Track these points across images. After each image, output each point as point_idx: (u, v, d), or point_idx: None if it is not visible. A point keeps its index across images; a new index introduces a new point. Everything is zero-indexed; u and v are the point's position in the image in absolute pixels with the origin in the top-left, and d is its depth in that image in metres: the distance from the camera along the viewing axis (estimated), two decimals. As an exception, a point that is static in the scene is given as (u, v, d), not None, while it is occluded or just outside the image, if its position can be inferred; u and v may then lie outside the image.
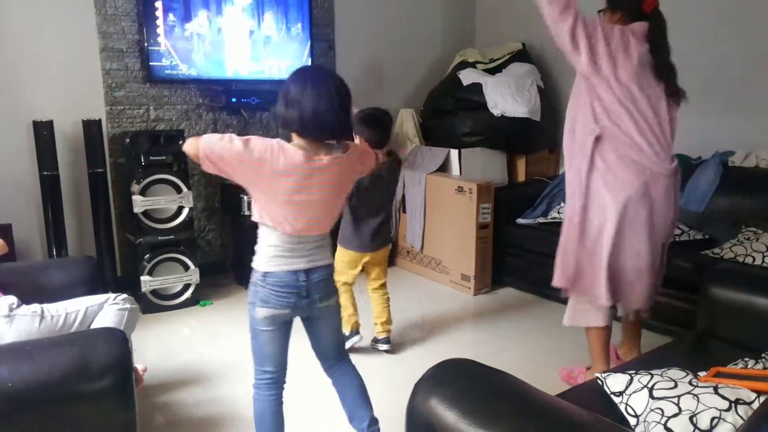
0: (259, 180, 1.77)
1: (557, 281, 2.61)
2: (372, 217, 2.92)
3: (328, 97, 1.76)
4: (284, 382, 2.01)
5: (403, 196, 4.36)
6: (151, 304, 3.65)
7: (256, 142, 1.74)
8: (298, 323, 2.00)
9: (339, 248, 2.96)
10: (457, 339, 3.30)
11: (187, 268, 3.72)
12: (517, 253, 3.97)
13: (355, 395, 2.07)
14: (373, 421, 2.06)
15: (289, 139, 1.82)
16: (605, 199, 2.40)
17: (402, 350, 3.12)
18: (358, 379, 2.09)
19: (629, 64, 2.31)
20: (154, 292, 3.66)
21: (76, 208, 3.79)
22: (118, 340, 1.72)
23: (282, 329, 1.93)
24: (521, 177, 4.52)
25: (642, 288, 2.46)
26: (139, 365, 1.99)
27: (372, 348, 3.09)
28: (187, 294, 3.75)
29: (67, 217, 3.66)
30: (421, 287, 4.13)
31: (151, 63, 3.78)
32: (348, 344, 2.94)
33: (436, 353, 3.10)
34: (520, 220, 4.00)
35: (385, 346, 3.06)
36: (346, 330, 2.97)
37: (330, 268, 1.97)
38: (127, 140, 3.57)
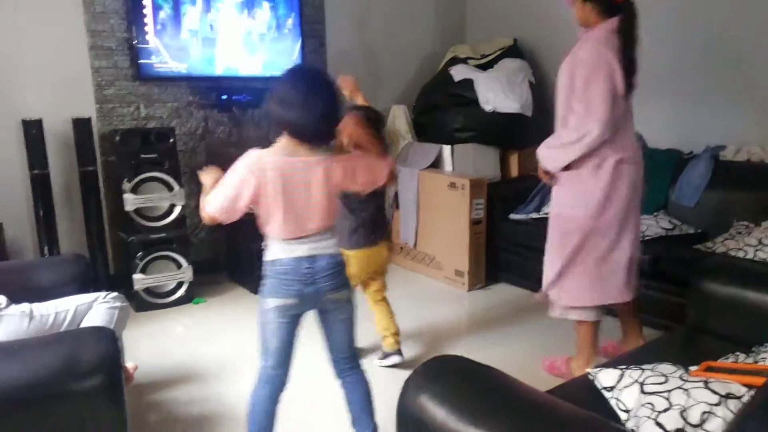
0: (258, 193, 1.82)
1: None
2: (364, 208, 2.81)
3: (322, 104, 1.80)
4: (284, 383, 2.01)
5: (396, 193, 4.35)
6: (144, 302, 3.64)
7: (238, 167, 1.82)
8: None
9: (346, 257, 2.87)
10: (451, 334, 3.30)
11: (179, 265, 3.71)
12: (510, 249, 3.97)
13: (362, 401, 2.08)
14: (375, 429, 2.09)
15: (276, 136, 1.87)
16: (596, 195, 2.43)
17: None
18: (366, 386, 2.10)
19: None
20: (147, 290, 3.64)
21: (67, 206, 3.76)
22: (107, 339, 1.71)
23: (289, 324, 1.94)
24: (514, 172, 4.51)
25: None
26: (129, 364, 1.98)
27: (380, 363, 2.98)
28: (181, 292, 3.74)
29: (59, 215, 3.64)
30: (415, 283, 4.13)
31: (140, 61, 3.76)
32: (390, 362, 2.92)
33: (429, 349, 3.11)
34: (513, 216, 4.00)
35: (399, 359, 2.95)
36: (389, 348, 2.94)
37: (338, 258, 1.97)
38: (117, 138, 3.55)
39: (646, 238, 3.30)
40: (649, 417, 1.52)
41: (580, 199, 2.52)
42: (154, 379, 2.82)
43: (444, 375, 1.43)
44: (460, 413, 1.29)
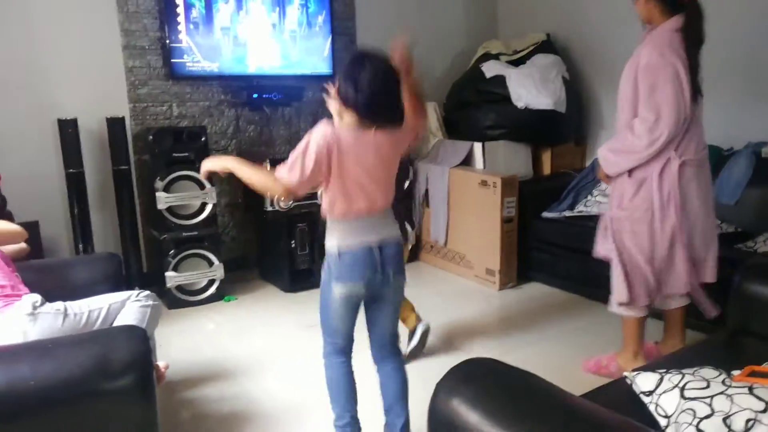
0: (332, 165, 1.83)
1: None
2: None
3: (390, 86, 1.83)
4: (352, 351, 2.07)
5: (426, 191, 4.32)
6: (177, 300, 3.67)
7: (315, 137, 1.81)
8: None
9: None
10: (482, 335, 3.25)
11: (211, 263, 3.74)
12: (543, 248, 3.90)
13: (398, 390, 2.08)
14: (408, 421, 2.09)
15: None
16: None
17: (425, 347, 3.08)
18: (404, 374, 2.11)
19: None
20: (179, 288, 3.68)
21: (101, 205, 3.82)
22: (139, 338, 1.71)
23: (355, 308, 1.98)
24: (546, 170, 4.44)
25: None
26: (161, 362, 1.99)
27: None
28: (212, 289, 3.76)
29: (93, 214, 3.70)
30: (445, 282, 4.09)
31: (172, 60, 3.79)
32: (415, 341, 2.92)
33: (459, 349, 3.07)
34: (545, 214, 3.94)
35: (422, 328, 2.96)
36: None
37: (400, 245, 2.01)
38: (150, 137, 3.59)
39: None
40: (690, 423, 1.47)
41: (640, 201, 2.50)
42: (185, 377, 2.83)
43: (477, 378, 1.39)
44: (493, 417, 1.26)
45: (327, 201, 1.90)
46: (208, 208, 3.70)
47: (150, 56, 3.85)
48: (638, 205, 2.50)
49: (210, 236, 3.73)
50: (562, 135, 4.40)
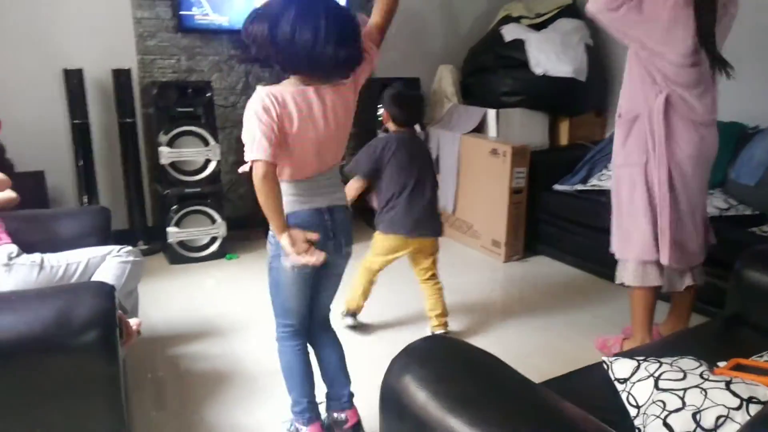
0: (282, 126, 1.65)
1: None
2: (414, 191, 2.62)
3: (323, 29, 1.57)
4: (306, 333, 1.97)
5: (437, 157, 4.21)
6: (178, 256, 3.68)
7: (253, 106, 1.64)
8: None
9: (378, 234, 2.71)
10: (481, 307, 3.19)
11: (214, 221, 3.72)
12: (552, 221, 3.79)
13: (338, 361, 2.02)
14: (352, 393, 2.03)
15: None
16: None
17: (422, 318, 3.03)
18: (341, 347, 2.05)
19: None
20: (181, 244, 3.67)
21: (107, 157, 3.80)
22: (105, 294, 1.68)
23: (308, 281, 1.85)
24: (564, 140, 4.30)
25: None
26: (133, 320, 1.96)
27: None
28: (214, 247, 3.76)
29: (98, 165, 3.70)
30: (451, 251, 4.00)
31: (181, 12, 3.71)
32: (343, 322, 2.84)
33: (454, 320, 3.01)
34: (557, 186, 3.81)
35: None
36: (344, 307, 2.86)
37: (350, 211, 1.90)
38: (155, 91, 3.54)
39: (697, 217, 3.08)
40: (657, 416, 1.39)
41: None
42: (177, 332, 2.84)
43: (431, 357, 1.33)
44: (439, 399, 1.19)
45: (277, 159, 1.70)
46: (212, 165, 3.67)
47: (159, 8, 3.77)
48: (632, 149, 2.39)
49: (213, 193, 3.71)
50: (582, 105, 4.23)
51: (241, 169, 1.75)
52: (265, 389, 2.36)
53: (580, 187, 3.72)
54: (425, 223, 2.67)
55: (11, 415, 1.59)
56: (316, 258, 1.71)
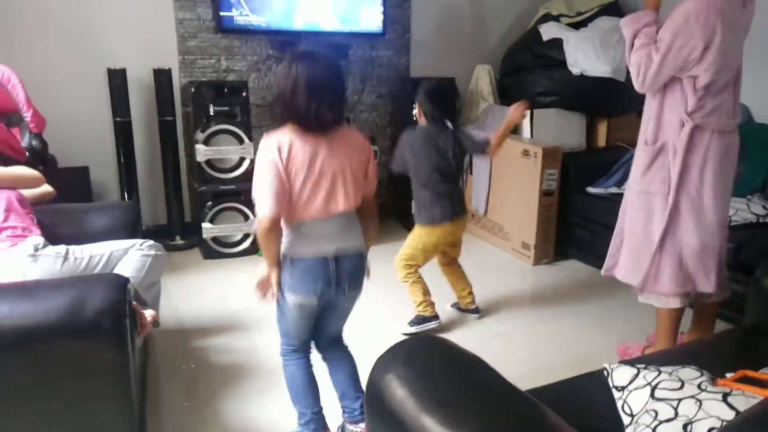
0: (289, 174, 1.74)
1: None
2: (440, 181, 2.75)
3: (329, 92, 1.73)
4: (310, 347, 2.03)
5: (471, 158, 4.19)
6: (212, 251, 3.78)
7: (262, 156, 1.74)
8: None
9: (418, 229, 2.82)
10: (506, 310, 3.15)
11: (247, 218, 3.81)
12: (584, 224, 3.72)
13: (349, 373, 2.04)
14: (364, 403, 2.03)
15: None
16: None
17: (447, 319, 3.03)
18: (352, 359, 2.06)
19: None
20: (214, 239, 3.77)
21: (148, 154, 3.95)
22: (118, 286, 1.76)
23: (309, 316, 1.91)
24: (601, 142, 4.20)
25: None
26: (148, 312, 2.04)
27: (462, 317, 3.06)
28: (246, 243, 3.84)
29: (139, 162, 3.84)
30: (482, 253, 3.98)
31: (221, 13, 3.81)
32: (422, 328, 2.88)
33: (478, 322, 3.01)
34: (590, 189, 3.73)
35: (475, 315, 3.05)
36: (424, 313, 2.89)
37: (362, 259, 1.92)
38: (192, 90, 3.65)
39: (733, 223, 2.96)
40: (648, 425, 1.36)
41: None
42: (202, 325, 2.93)
43: (414, 356, 1.34)
44: (416, 398, 1.21)
45: (285, 206, 1.79)
46: (246, 163, 3.75)
47: (200, 9, 3.89)
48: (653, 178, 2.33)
49: (246, 191, 3.74)
50: (621, 106, 4.12)
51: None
52: (279, 385, 2.36)
53: (614, 190, 3.63)
54: (458, 205, 2.84)
55: (28, 397, 1.68)
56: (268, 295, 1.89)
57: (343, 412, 2.06)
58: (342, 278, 1.84)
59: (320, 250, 1.81)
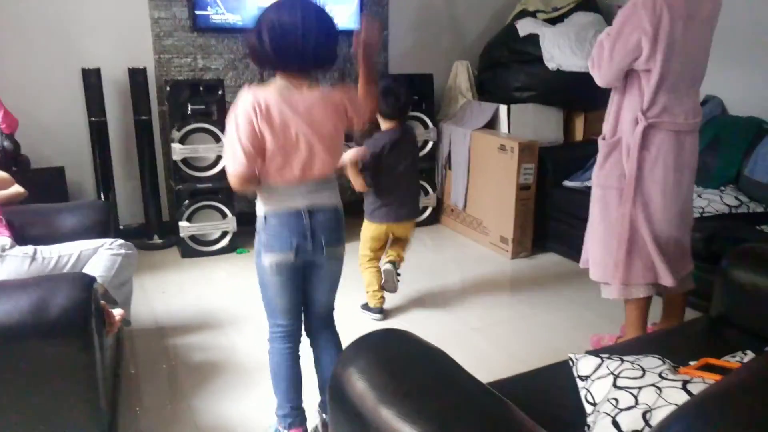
0: (262, 133, 1.70)
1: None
2: (396, 187, 2.85)
3: (304, 24, 1.69)
4: (300, 335, 1.98)
5: (449, 153, 4.20)
6: (190, 249, 3.77)
7: (238, 110, 1.70)
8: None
9: (364, 222, 2.94)
10: (484, 303, 3.17)
11: (224, 215, 3.79)
12: (561, 218, 3.74)
13: (334, 363, 2.00)
14: None
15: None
16: None
17: (423, 313, 3.05)
18: (340, 349, 2.01)
19: None
20: (192, 238, 3.76)
21: (123, 153, 3.93)
22: (83, 285, 1.75)
23: (292, 279, 1.86)
24: (579, 136, 4.22)
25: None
26: (117, 310, 2.03)
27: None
28: (224, 241, 3.83)
29: (115, 162, 3.82)
30: (461, 247, 4.00)
31: (197, 11, 3.79)
32: (370, 316, 2.96)
33: (454, 315, 3.02)
34: (567, 183, 3.76)
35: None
36: (369, 302, 2.98)
37: (338, 213, 1.89)
38: (168, 89, 3.63)
39: (706, 214, 3.00)
40: (608, 414, 1.38)
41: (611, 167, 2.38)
42: (178, 323, 2.92)
43: (377, 349, 1.34)
44: (375, 391, 1.21)
45: (260, 163, 1.77)
46: (223, 161, 3.73)
47: (175, 8, 3.86)
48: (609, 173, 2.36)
49: (224, 189, 3.77)
50: (597, 100, 4.09)
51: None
52: (253, 382, 2.41)
53: (589, 183, 3.63)
54: (401, 211, 2.89)
55: (-7, 398, 1.67)
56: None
57: (321, 402, 2.02)
58: (317, 230, 1.81)
59: (293, 204, 1.79)
